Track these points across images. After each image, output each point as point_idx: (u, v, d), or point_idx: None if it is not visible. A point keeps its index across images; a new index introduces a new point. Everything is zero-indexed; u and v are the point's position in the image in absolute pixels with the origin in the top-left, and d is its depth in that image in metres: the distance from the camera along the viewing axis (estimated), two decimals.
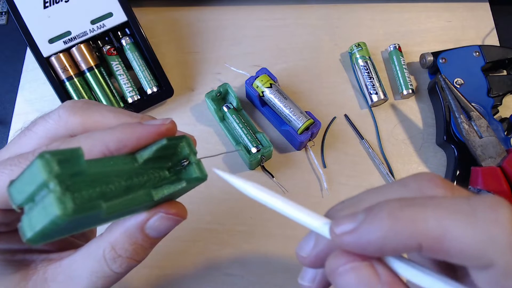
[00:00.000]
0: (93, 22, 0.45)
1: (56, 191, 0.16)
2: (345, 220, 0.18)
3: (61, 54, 0.44)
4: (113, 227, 0.22)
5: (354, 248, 0.17)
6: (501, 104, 0.45)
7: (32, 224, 0.17)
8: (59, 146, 0.20)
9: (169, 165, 0.22)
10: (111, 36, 0.47)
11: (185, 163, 0.22)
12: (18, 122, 0.48)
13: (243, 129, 0.44)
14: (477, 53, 0.46)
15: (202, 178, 0.22)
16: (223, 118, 0.46)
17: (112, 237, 0.21)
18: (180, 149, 0.22)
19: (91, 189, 0.18)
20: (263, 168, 0.45)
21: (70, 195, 0.17)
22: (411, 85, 0.48)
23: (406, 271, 0.17)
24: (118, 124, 0.22)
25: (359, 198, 0.19)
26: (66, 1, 0.44)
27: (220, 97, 0.45)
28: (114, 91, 0.46)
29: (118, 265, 0.21)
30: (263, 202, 0.20)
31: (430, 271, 0.17)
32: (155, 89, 0.46)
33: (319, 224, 0.19)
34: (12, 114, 0.48)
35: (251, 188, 0.20)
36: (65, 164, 0.17)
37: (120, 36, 0.47)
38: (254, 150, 0.43)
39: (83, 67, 0.45)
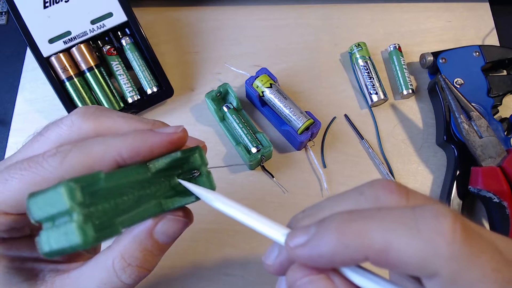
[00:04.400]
0: (93, 22, 0.45)
1: (79, 220, 0.17)
2: (299, 233, 0.18)
3: (61, 54, 0.44)
4: (121, 236, 0.22)
5: (307, 261, 0.18)
6: (501, 104, 0.45)
7: (51, 243, 0.17)
8: (70, 150, 0.20)
9: (179, 172, 0.23)
10: (111, 36, 0.47)
11: (196, 174, 0.23)
12: (18, 122, 0.48)
13: (243, 129, 0.44)
14: (477, 53, 0.46)
15: (211, 190, 0.22)
16: (223, 118, 0.46)
17: (121, 246, 0.21)
18: (192, 159, 0.22)
19: (106, 203, 0.19)
20: (263, 168, 0.45)
21: (92, 224, 0.17)
22: (411, 85, 0.48)
23: (361, 281, 0.18)
24: (130, 130, 0.22)
25: (319, 207, 0.20)
26: (66, 1, 0.44)
27: (220, 97, 0.45)
28: (114, 91, 0.46)
29: (127, 275, 0.21)
30: (224, 212, 0.21)
31: (383, 280, 0.18)
32: (155, 89, 0.46)
33: (278, 235, 0.19)
34: (12, 114, 0.48)
35: (213, 199, 0.21)
36: (87, 188, 0.18)
37: (120, 36, 0.47)
38: (254, 150, 0.43)
39: (83, 67, 0.45)
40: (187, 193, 0.22)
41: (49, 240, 0.18)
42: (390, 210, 0.17)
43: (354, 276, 0.18)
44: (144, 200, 0.21)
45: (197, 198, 0.22)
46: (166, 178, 0.22)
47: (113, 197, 0.19)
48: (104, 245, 0.22)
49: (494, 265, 0.16)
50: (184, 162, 0.22)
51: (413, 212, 0.16)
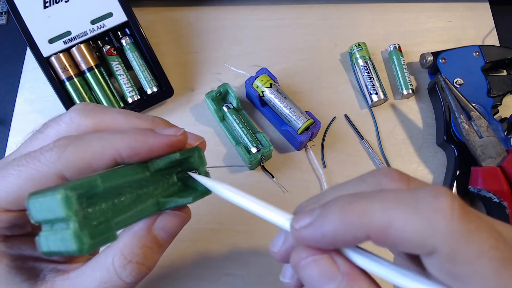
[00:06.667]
0: (93, 22, 0.45)
1: (75, 228, 0.17)
2: (303, 215, 0.19)
3: (61, 54, 0.44)
4: (121, 235, 0.21)
5: (311, 242, 0.18)
6: (501, 104, 0.45)
7: (49, 245, 0.18)
8: (68, 144, 0.20)
9: (178, 170, 0.23)
10: (111, 36, 0.47)
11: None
12: (18, 122, 0.48)
13: (243, 129, 0.44)
14: (477, 53, 0.46)
15: (208, 192, 0.23)
16: (223, 118, 0.46)
17: (120, 243, 0.21)
18: (191, 160, 0.23)
19: (104, 203, 0.19)
20: (263, 168, 0.45)
21: (88, 231, 0.18)
22: (411, 85, 0.48)
23: (363, 262, 0.18)
24: (129, 126, 0.22)
25: (323, 195, 0.20)
26: (66, 1, 0.44)
27: (220, 97, 0.45)
28: (114, 91, 0.46)
29: (128, 272, 0.21)
30: (230, 200, 0.21)
31: (383, 260, 0.18)
32: (155, 89, 0.46)
33: (284, 221, 0.20)
34: (12, 114, 0.48)
35: (220, 187, 0.21)
36: (84, 194, 0.18)
37: (120, 36, 0.47)
38: (254, 150, 0.43)
39: (83, 67, 0.45)
40: (185, 193, 0.22)
41: (48, 242, 0.18)
42: (391, 191, 0.18)
43: (356, 257, 0.18)
44: (142, 199, 0.21)
45: (194, 199, 0.22)
46: (165, 177, 0.22)
47: (112, 197, 0.19)
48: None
49: (492, 242, 0.16)
50: (183, 162, 0.23)
51: (413, 193, 0.17)
